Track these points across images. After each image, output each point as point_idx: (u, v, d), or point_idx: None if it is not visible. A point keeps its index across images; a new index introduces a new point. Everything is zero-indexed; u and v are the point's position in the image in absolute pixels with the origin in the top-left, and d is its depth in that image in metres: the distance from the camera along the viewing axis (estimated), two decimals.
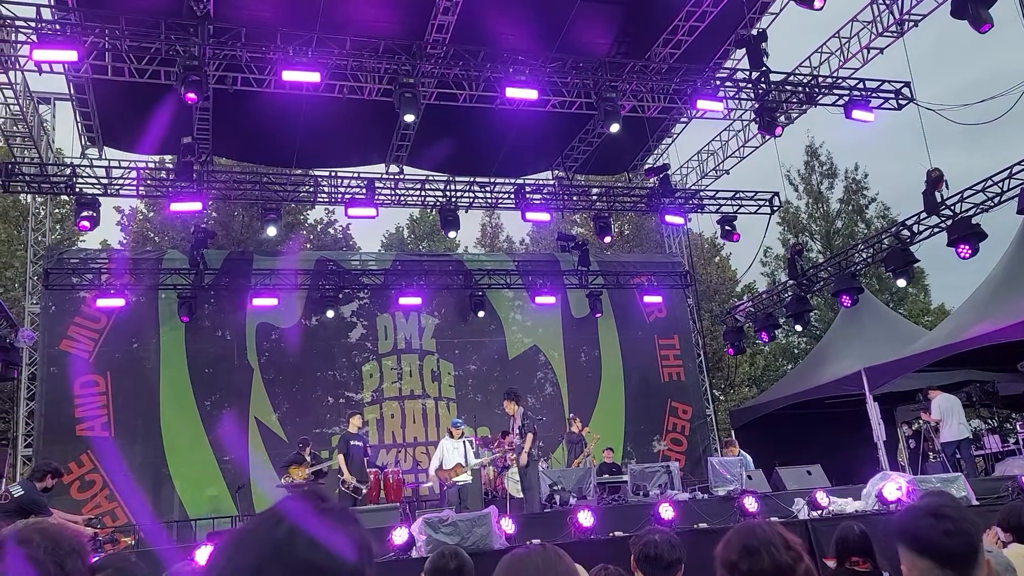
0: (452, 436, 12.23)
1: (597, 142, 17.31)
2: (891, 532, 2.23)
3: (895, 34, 13.56)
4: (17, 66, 12.26)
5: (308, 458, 12.45)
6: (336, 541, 1.14)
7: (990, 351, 13.04)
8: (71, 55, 10.70)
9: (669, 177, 16.78)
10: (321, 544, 1.13)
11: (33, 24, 10.77)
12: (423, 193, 16.60)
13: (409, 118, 12.14)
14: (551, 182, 18.25)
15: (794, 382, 17.91)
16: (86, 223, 13.82)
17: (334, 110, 14.26)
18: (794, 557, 2.21)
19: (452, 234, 16.04)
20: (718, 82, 13.88)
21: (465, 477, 11.81)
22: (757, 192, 17.59)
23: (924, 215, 14.41)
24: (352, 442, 11.99)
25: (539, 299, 17.45)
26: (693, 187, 18.34)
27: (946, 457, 12.69)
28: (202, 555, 7.22)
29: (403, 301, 16.54)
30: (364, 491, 11.77)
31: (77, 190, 14.07)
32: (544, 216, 16.57)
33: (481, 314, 17.12)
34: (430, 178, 16.90)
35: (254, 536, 1.15)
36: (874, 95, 13.94)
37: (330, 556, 1.13)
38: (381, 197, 15.81)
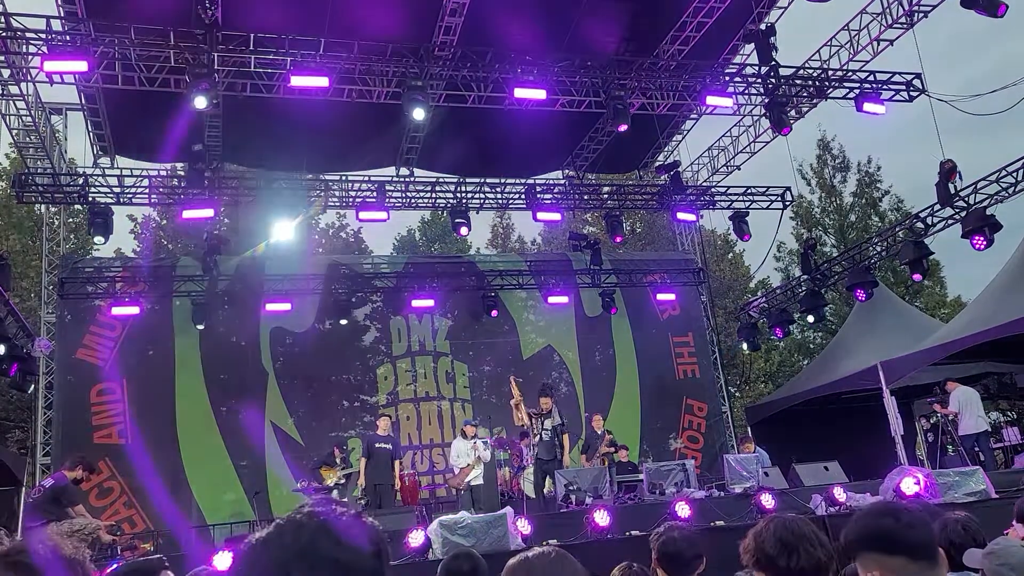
0: (465, 436, 12.25)
1: (607, 140, 17.27)
2: (852, 543, 2.22)
3: (905, 26, 13.45)
4: (29, 77, 12.34)
5: (339, 460, 12.50)
6: (355, 540, 1.22)
7: (1008, 343, 12.93)
8: (81, 65, 10.79)
9: (680, 174, 16.74)
10: (345, 543, 1.21)
11: (43, 36, 10.85)
12: (434, 195, 16.62)
13: (419, 117, 12.15)
14: (561, 181, 18.23)
15: (810, 377, 17.81)
16: (100, 237, 13.89)
17: (343, 114, 14.27)
18: (827, 555, 2.20)
19: (464, 231, 16.00)
20: (727, 78, 13.82)
21: (476, 473, 11.82)
22: (769, 187, 17.54)
23: (938, 207, 14.31)
24: (377, 444, 11.99)
25: (552, 299, 17.45)
26: (704, 183, 18.28)
27: (965, 450, 12.60)
28: (220, 560, 7.25)
29: (416, 303, 16.59)
30: (364, 499, 11.73)
31: (90, 199, 14.17)
32: (555, 216, 16.57)
33: (494, 315, 17.12)
34: (440, 180, 16.91)
35: (280, 537, 1.22)
36: (885, 87, 13.86)
37: (354, 554, 1.21)
38: (392, 200, 15.83)
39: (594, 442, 13.43)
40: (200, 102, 10.81)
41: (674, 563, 3.35)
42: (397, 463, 12.26)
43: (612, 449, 13.49)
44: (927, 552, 2.09)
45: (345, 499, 12.11)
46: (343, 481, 12.07)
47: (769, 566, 2.23)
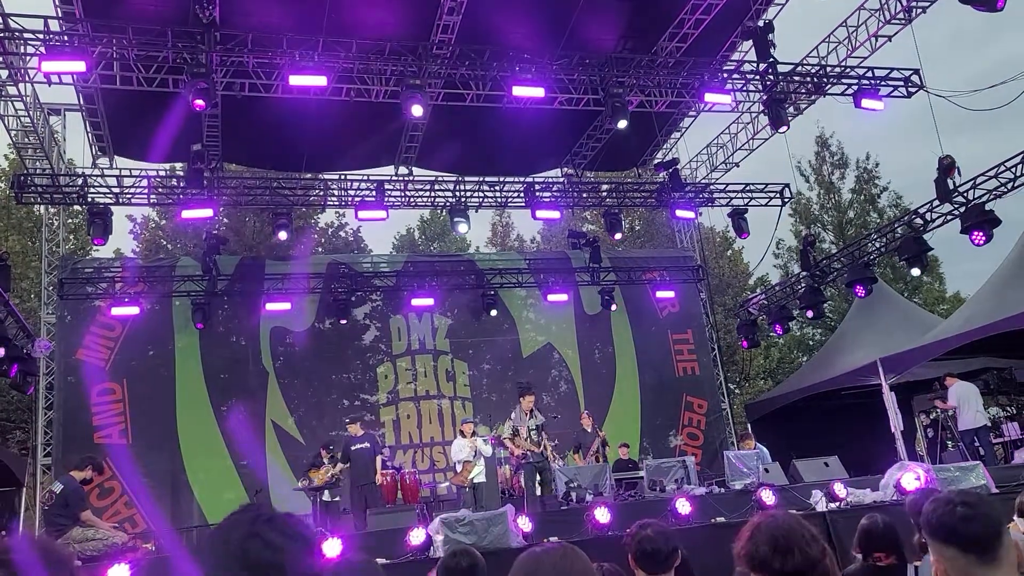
0: (464, 435, 12.29)
1: (605, 138, 17.28)
2: (923, 526, 2.29)
3: (903, 21, 13.46)
4: (27, 78, 12.33)
5: (326, 460, 12.51)
6: (288, 543, 1.23)
7: (1007, 338, 12.94)
8: (79, 66, 10.77)
9: (679, 171, 16.73)
10: (277, 546, 1.22)
11: (41, 36, 10.83)
12: (433, 194, 16.62)
13: (417, 115, 12.13)
14: (560, 180, 18.23)
15: (809, 374, 17.84)
16: (100, 239, 13.87)
17: (342, 113, 14.28)
18: (820, 550, 2.20)
19: (463, 228, 15.94)
20: (725, 75, 13.83)
21: (478, 470, 11.83)
22: (768, 184, 17.53)
23: (937, 203, 14.31)
24: (354, 447, 11.97)
25: (551, 297, 17.46)
26: (703, 181, 18.28)
27: (964, 445, 12.63)
28: None
29: (416, 302, 16.59)
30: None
31: (89, 200, 14.16)
32: (554, 214, 16.56)
33: (494, 313, 17.14)
34: (439, 179, 16.91)
35: (217, 541, 1.24)
36: (883, 83, 13.85)
37: (287, 556, 1.21)
38: (391, 199, 15.83)
39: (585, 440, 13.44)
40: (199, 102, 10.80)
41: (652, 560, 3.35)
42: (379, 459, 12.23)
43: (605, 447, 13.51)
44: (979, 547, 2.12)
45: (338, 498, 12.14)
46: (336, 481, 12.06)
47: (763, 568, 2.22)
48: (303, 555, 1.24)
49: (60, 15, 11.61)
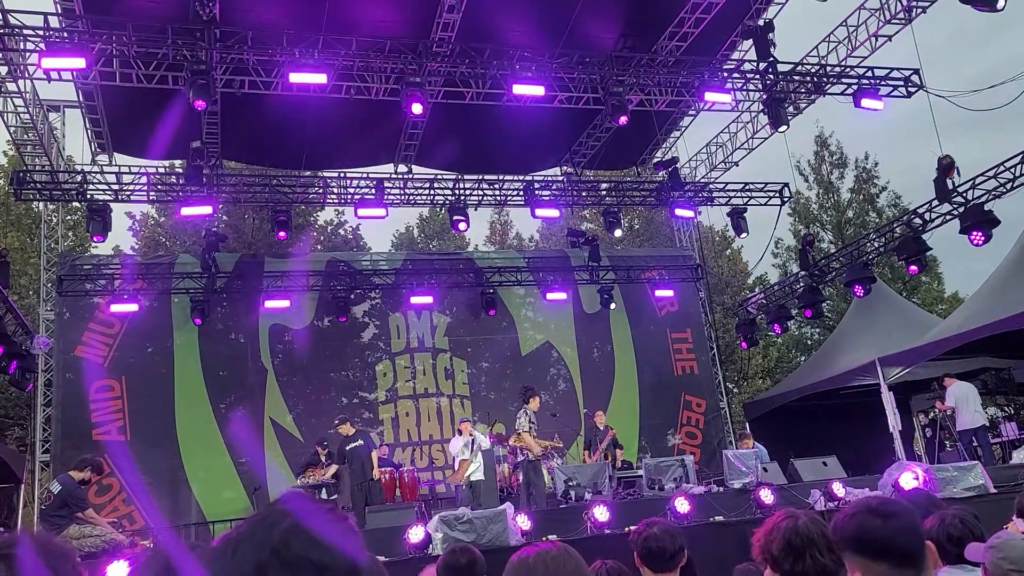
0: (461, 434, 12.29)
1: (605, 137, 17.28)
2: (839, 541, 2.14)
3: (903, 21, 13.46)
4: (26, 74, 12.31)
5: (323, 459, 12.50)
6: (333, 539, 1.16)
7: (1006, 338, 12.95)
8: (79, 62, 10.77)
9: (678, 170, 16.74)
10: (320, 542, 1.14)
11: (41, 32, 10.82)
12: (432, 192, 16.62)
13: (417, 110, 12.11)
14: (560, 178, 18.23)
15: (808, 373, 17.85)
16: (99, 236, 13.85)
17: (342, 111, 14.28)
18: (835, 560, 2.18)
19: (462, 226, 15.92)
20: (725, 74, 13.83)
21: (475, 467, 11.84)
22: (767, 183, 17.53)
23: (936, 203, 14.32)
24: (348, 446, 11.97)
25: (550, 295, 17.45)
26: (702, 180, 18.29)
27: (963, 445, 12.64)
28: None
29: (415, 300, 16.59)
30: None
31: (88, 197, 14.15)
32: (553, 212, 16.56)
33: (493, 312, 17.13)
34: (439, 177, 16.92)
35: (253, 536, 1.15)
36: (883, 83, 13.85)
37: (329, 553, 1.14)
38: (390, 197, 15.83)
39: (595, 438, 13.44)
40: (198, 100, 10.79)
41: (658, 559, 3.37)
42: (375, 453, 12.22)
43: (615, 447, 13.53)
44: (911, 560, 2.03)
45: (335, 496, 12.14)
46: (333, 480, 12.04)
47: (775, 566, 2.23)
48: (345, 556, 1.18)
49: (60, 11, 11.60)
